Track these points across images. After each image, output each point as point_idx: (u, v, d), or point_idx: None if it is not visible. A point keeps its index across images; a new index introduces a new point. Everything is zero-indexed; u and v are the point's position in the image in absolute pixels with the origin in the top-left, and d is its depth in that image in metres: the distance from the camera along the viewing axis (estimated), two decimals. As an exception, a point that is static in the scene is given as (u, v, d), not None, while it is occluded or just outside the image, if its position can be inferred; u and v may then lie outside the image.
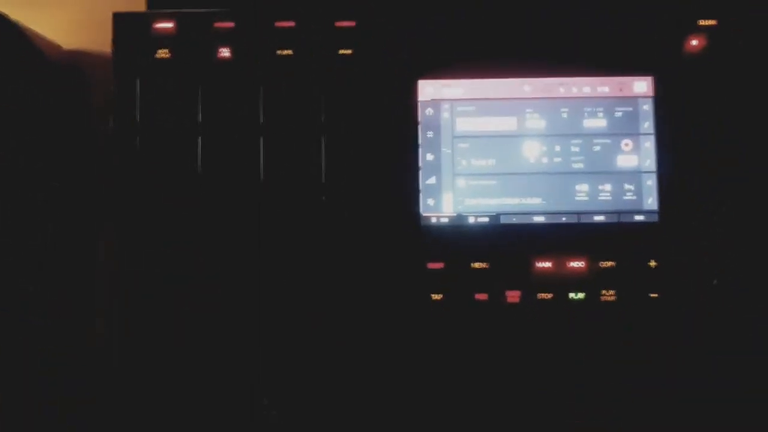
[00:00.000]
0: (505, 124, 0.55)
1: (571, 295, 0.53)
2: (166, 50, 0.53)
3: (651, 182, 0.55)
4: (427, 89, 0.55)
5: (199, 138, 0.53)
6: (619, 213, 0.55)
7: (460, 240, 0.54)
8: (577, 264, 0.54)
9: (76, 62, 0.60)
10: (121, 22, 0.54)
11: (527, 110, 0.55)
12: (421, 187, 0.54)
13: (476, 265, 0.53)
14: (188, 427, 0.53)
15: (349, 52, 0.54)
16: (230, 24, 0.53)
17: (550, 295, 0.53)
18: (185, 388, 0.52)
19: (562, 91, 0.55)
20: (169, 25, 0.53)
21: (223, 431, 0.52)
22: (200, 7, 0.54)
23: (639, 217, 0.55)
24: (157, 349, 0.53)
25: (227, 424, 0.52)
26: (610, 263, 0.54)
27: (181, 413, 0.52)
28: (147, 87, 0.53)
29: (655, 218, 0.54)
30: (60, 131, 0.57)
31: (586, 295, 0.53)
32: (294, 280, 0.53)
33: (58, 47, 0.59)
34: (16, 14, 0.53)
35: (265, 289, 0.53)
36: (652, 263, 0.54)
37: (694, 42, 0.55)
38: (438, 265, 0.53)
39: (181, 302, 0.52)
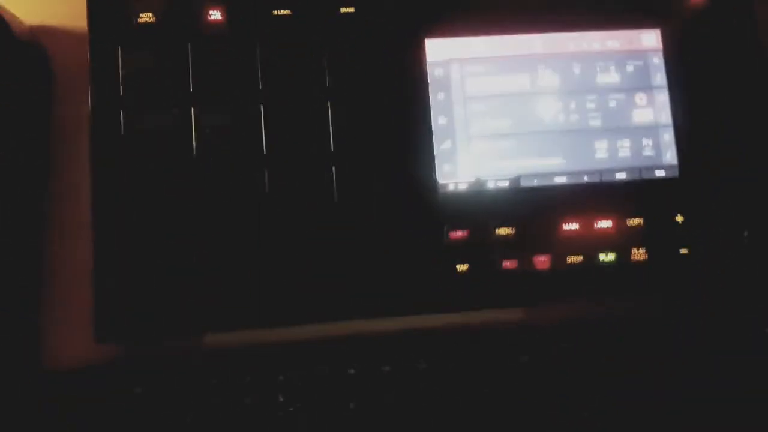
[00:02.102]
0: (518, 82, 0.52)
1: (602, 256, 0.51)
2: (149, 14, 0.48)
3: (668, 136, 0.53)
4: (435, 49, 0.52)
5: (192, 109, 0.48)
6: (640, 169, 0.53)
7: (482, 206, 0.50)
8: (604, 224, 0.51)
9: (38, 40, 0.53)
10: (96, -15, 0.48)
11: (539, 67, 0.53)
12: (436, 152, 0.51)
13: (501, 231, 0.50)
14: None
15: (350, 10, 0.50)
16: (220, -16, 0.49)
17: (579, 258, 0.50)
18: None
19: (572, 47, 0.53)
20: (150, -14, 0.48)
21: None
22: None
23: (660, 173, 0.53)
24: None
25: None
26: (637, 221, 0.51)
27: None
28: (128, 57, 0.48)
29: (675, 173, 0.53)
30: (23, 115, 0.50)
31: (617, 256, 0.51)
32: (305, 258, 0.48)
33: (20, 22, 0.53)
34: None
35: (276, 274, 0.47)
36: (679, 218, 0.52)
37: (699, -7, 0.54)
38: (461, 234, 0.50)
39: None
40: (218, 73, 0.48)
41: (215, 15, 0.49)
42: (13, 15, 0.52)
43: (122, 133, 0.47)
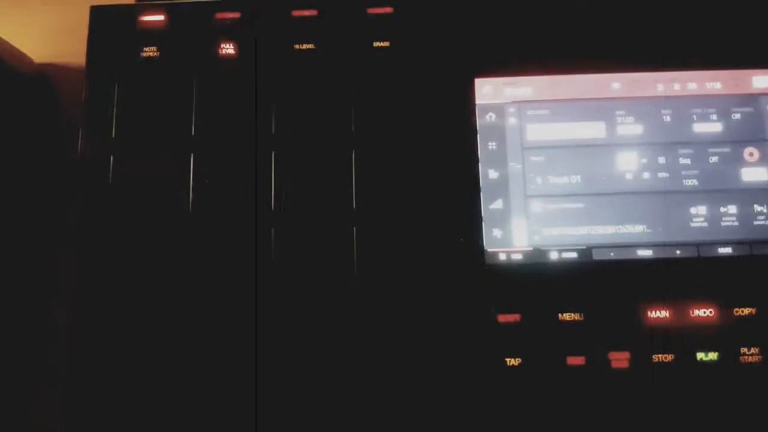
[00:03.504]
0: (591, 130, 0.42)
1: (700, 355, 0.39)
2: (154, 47, 0.42)
3: (789, 202, 0.41)
4: (486, 89, 0.43)
5: (192, 155, 0.41)
6: (750, 243, 0.41)
7: (541, 283, 0.40)
8: (703, 312, 0.39)
9: (48, 77, 0.49)
10: (101, 16, 0.43)
11: (617, 113, 0.42)
12: (483, 213, 0.41)
13: (566, 316, 0.39)
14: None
15: (385, 44, 0.42)
16: (235, 15, 0.42)
17: (670, 357, 0.39)
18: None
19: (660, 89, 0.43)
20: (158, 18, 0.42)
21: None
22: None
23: (778, 248, 0.41)
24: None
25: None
26: (748, 310, 0.39)
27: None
28: (127, 93, 0.42)
29: (799, 249, 0.41)
30: (27, 151, 0.45)
31: (720, 355, 0.39)
32: (320, 336, 0.39)
33: (29, 60, 0.48)
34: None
35: (286, 352, 0.39)
36: (807, 310, 0.39)
37: (828, 21, 0.43)
38: (513, 318, 0.39)
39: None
40: (226, 114, 0.41)
41: (228, 49, 0.42)
42: (22, 53, 0.48)
43: (110, 181, 0.40)
